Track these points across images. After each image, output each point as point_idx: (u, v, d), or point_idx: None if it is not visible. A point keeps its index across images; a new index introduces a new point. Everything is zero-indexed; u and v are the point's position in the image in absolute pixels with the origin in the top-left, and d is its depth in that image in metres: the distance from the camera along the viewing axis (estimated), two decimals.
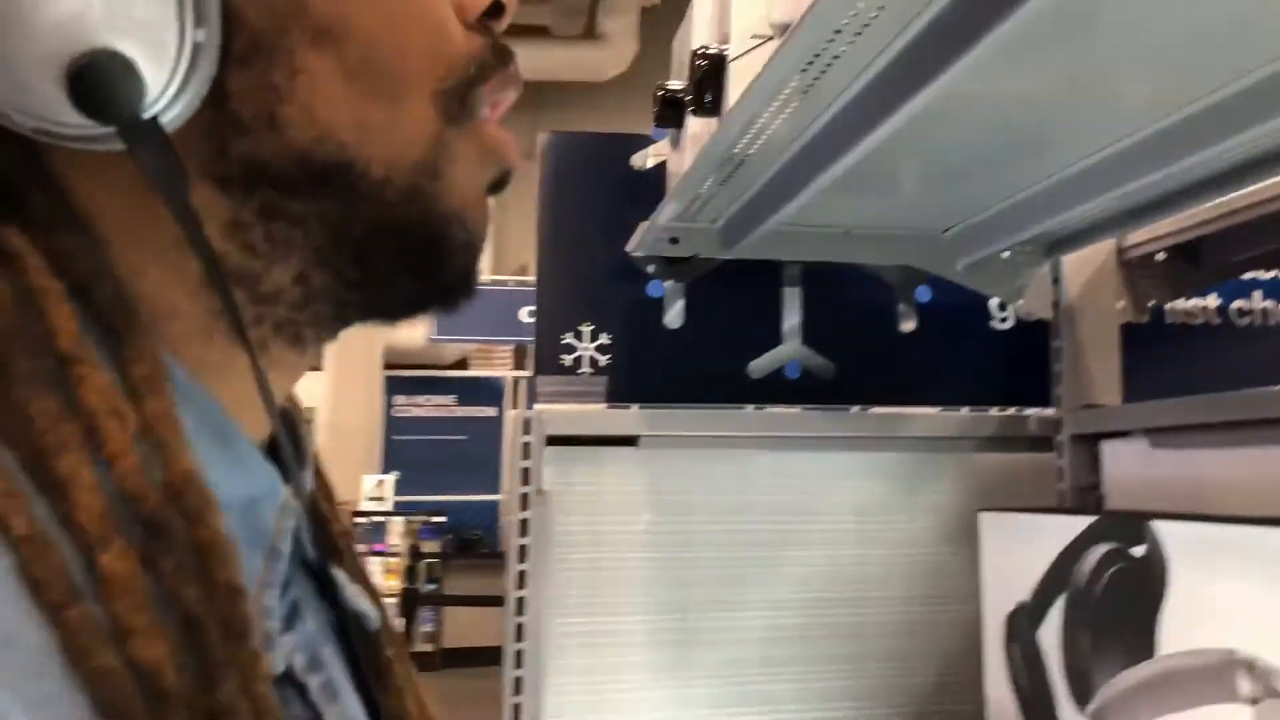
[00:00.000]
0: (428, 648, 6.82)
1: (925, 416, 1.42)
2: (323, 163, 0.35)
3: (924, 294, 1.45)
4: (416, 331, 8.36)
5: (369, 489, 7.31)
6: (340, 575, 0.39)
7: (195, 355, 0.34)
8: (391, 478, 7.48)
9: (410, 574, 6.91)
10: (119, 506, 0.28)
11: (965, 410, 1.44)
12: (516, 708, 1.27)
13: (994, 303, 1.48)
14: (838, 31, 0.81)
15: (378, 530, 6.99)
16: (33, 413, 0.28)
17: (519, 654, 1.28)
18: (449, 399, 8.71)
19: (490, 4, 0.40)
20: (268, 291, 0.36)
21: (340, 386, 7.88)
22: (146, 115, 0.31)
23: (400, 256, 0.38)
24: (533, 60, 6.04)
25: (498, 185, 0.40)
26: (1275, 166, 0.96)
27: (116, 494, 0.28)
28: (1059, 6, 0.69)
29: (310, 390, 8.24)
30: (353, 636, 0.39)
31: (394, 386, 8.55)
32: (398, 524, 7.08)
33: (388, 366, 8.40)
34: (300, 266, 0.36)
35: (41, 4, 0.29)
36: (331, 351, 8.28)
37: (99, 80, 0.29)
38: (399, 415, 8.59)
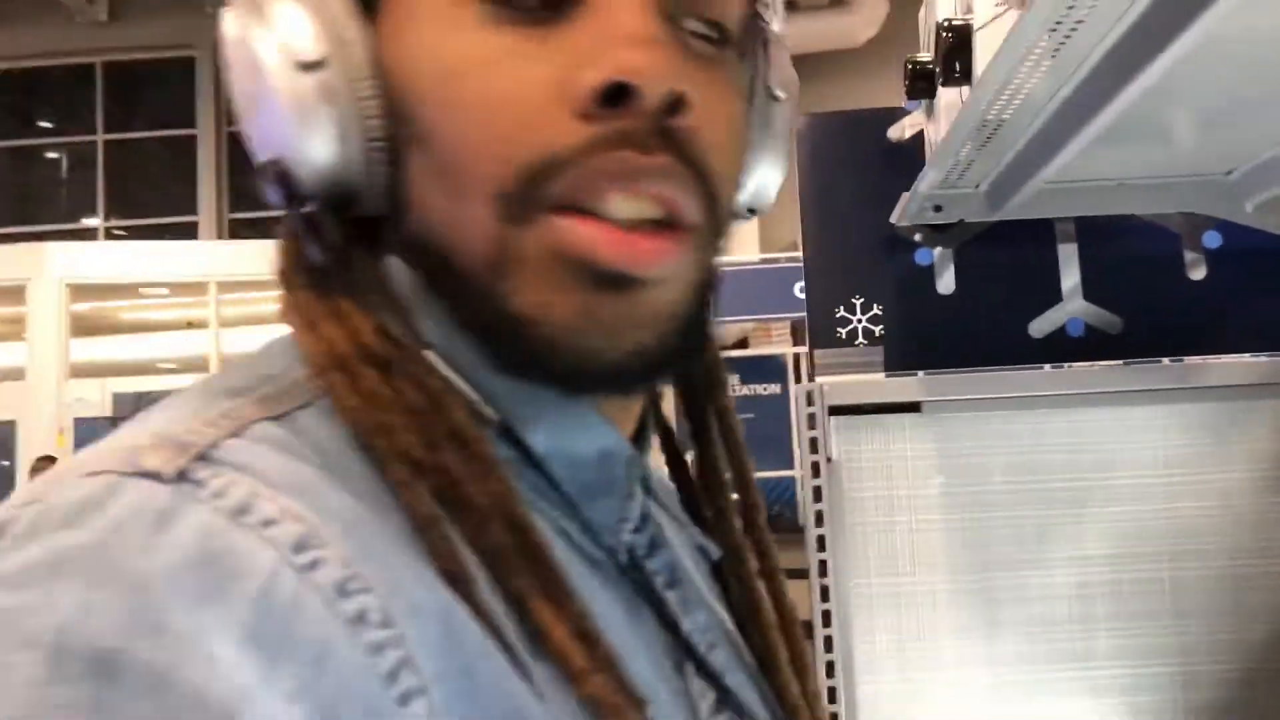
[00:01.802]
0: None
1: (1231, 364, 1.36)
2: (432, 250, 0.41)
3: (1213, 239, 1.38)
4: None
5: None
6: (676, 520, 0.51)
7: None
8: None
9: None
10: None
11: (1272, 355, 1.36)
12: (830, 665, 1.35)
13: None
14: None
15: None
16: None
17: (826, 614, 1.36)
18: (733, 379, 8.93)
19: (602, 91, 0.37)
20: None
21: None
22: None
23: (491, 342, 0.40)
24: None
25: (605, 280, 0.38)
26: None
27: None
28: None
29: None
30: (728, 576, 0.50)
31: None
32: None
33: None
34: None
35: None
36: None
37: None
38: None
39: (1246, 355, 1.37)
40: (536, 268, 0.38)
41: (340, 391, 0.38)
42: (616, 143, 0.37)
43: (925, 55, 1.31)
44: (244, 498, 0.33)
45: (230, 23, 0.42)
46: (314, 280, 0.41)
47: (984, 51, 1.12)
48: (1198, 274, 1.38)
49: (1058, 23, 0.86)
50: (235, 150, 10.76)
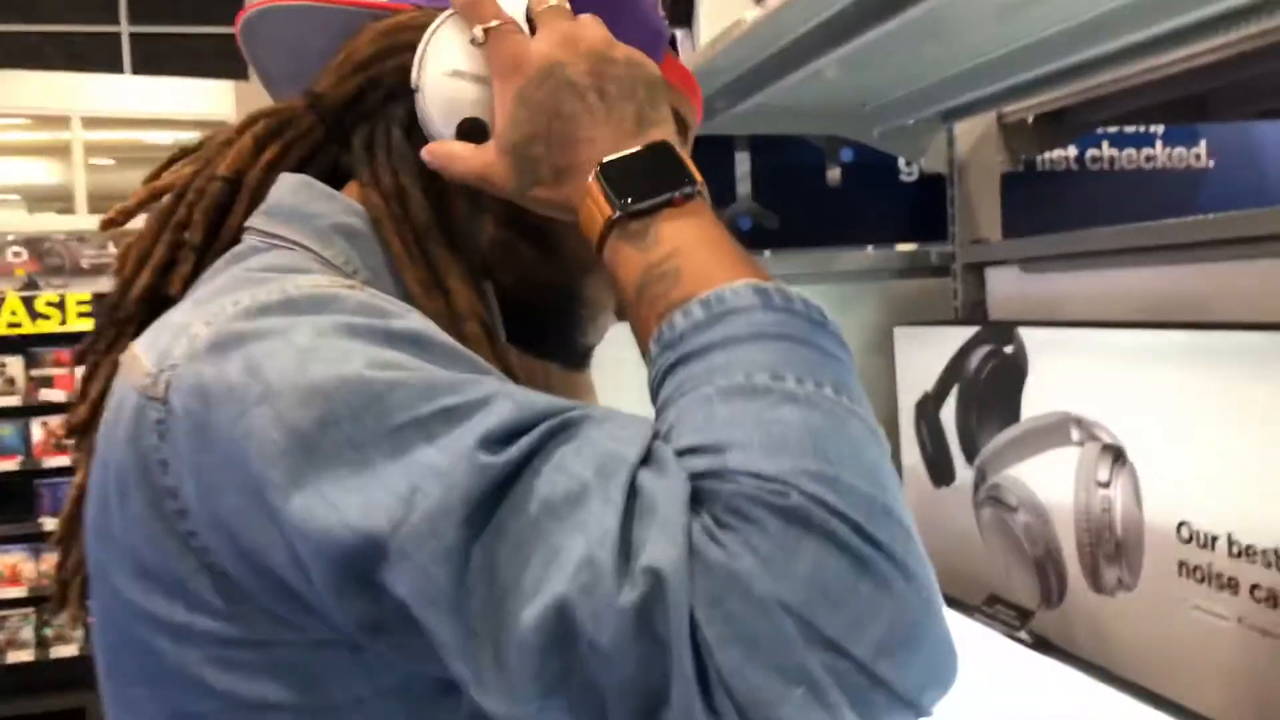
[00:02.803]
0: None
1: (852, 254, 1.79)
2: (545, 233, 0.61)
3: (846, 155, 1.79)
4: None
5: None
6: None
7: None
8: None
9: None
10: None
11: (886, 249, 1.81)
12: None
13: (901, 161, 1.83)
14: None
15: None
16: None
17: None
18: None
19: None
20: None
21: None
22: None
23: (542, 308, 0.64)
24: None
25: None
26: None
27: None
28: None
29: None
30: None
31: None
32: None
33: None
34: None
35: None
36: None
37: None
38: None
39: (868, 249, 1.81)
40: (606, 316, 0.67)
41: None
42: None
43: None
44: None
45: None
46: (448, 240, 0.58)
47: (704, 3, 1.39)
48: (834, 183, 1.79)
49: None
50: None
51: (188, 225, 0.58)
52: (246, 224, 0.59)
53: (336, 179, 0.60)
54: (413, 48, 0.59)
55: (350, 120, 0.61)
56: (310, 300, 0.49)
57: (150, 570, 0.49)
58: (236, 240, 0.58)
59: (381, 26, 0.61)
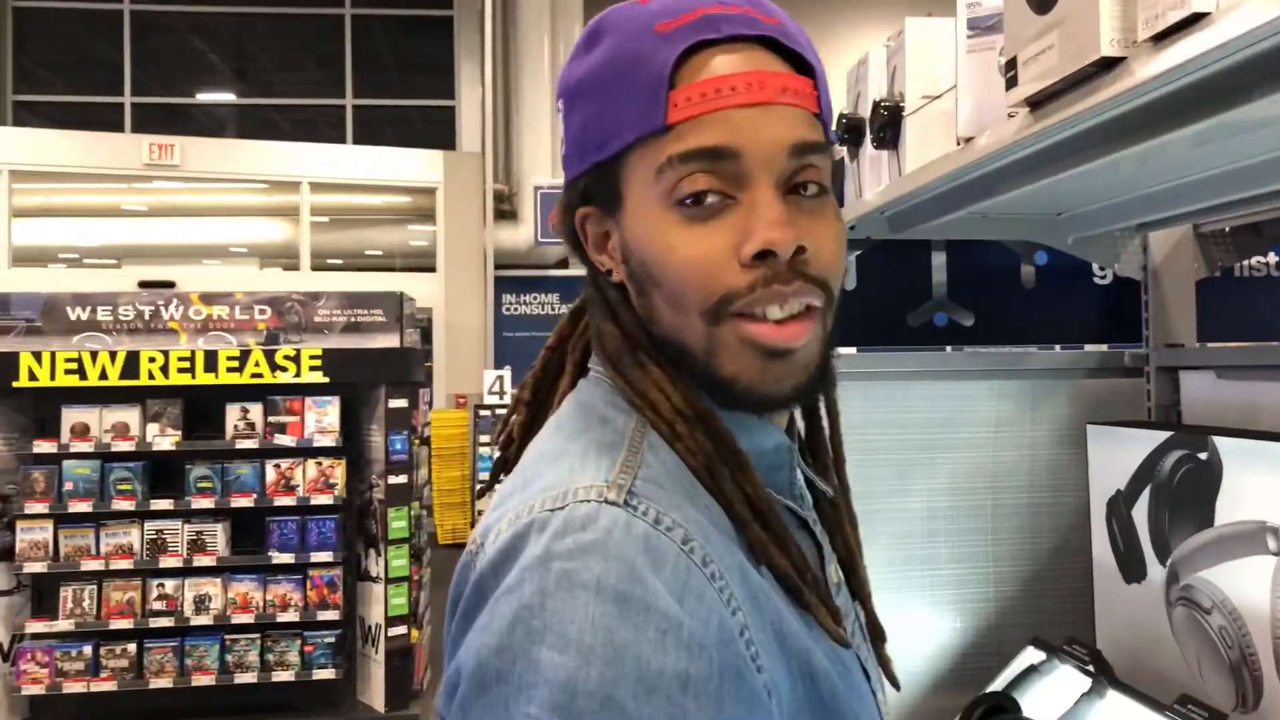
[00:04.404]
0: None
1: (1045, 352, 1.87)
2: (670, 343, 0.71)
3: (1041, 258, 1.88)
4: (522, 234, 8.91)
5: (489, 383, 7.90)
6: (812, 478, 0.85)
7: None
8: (506, 372, 8.05)
9: None
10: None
11: (1075, 348, 1.89)
12: None
13: (1095, 265, 1.91)
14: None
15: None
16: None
17: None
18: (553, 297, 9.28)
19: (755, 254, 0.66)
20: None
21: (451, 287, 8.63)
22: None
23: (709, 393, 0.70)
24: None
25: (773, 354, 0.67)
26: None
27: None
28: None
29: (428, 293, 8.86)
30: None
31: (502, 286, 9.14)
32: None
33: (498, 268, 8.99)
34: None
35: None
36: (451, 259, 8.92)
37: None
38: (508, 314, 9.21)
39: (1056, 347, 1.89)
40: (731, 349, 0.68)
41: (674, 439, 0.70)
42: (769, 280, 0.67)
43: (853, 111, 1.71)
44: (656, 514, 0.63)
45: None
46: (636, 359, 0.71)
47: (911, 130, 1.53)
48: (1028, 284, 1.88)
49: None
50: (23, 24, 9.89)
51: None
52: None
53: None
54: (560, 224, 0.76)
55: None
56: (570, 525, 0.61)
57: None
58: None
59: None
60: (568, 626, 0.56)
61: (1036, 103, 1.04)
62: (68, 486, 4.16)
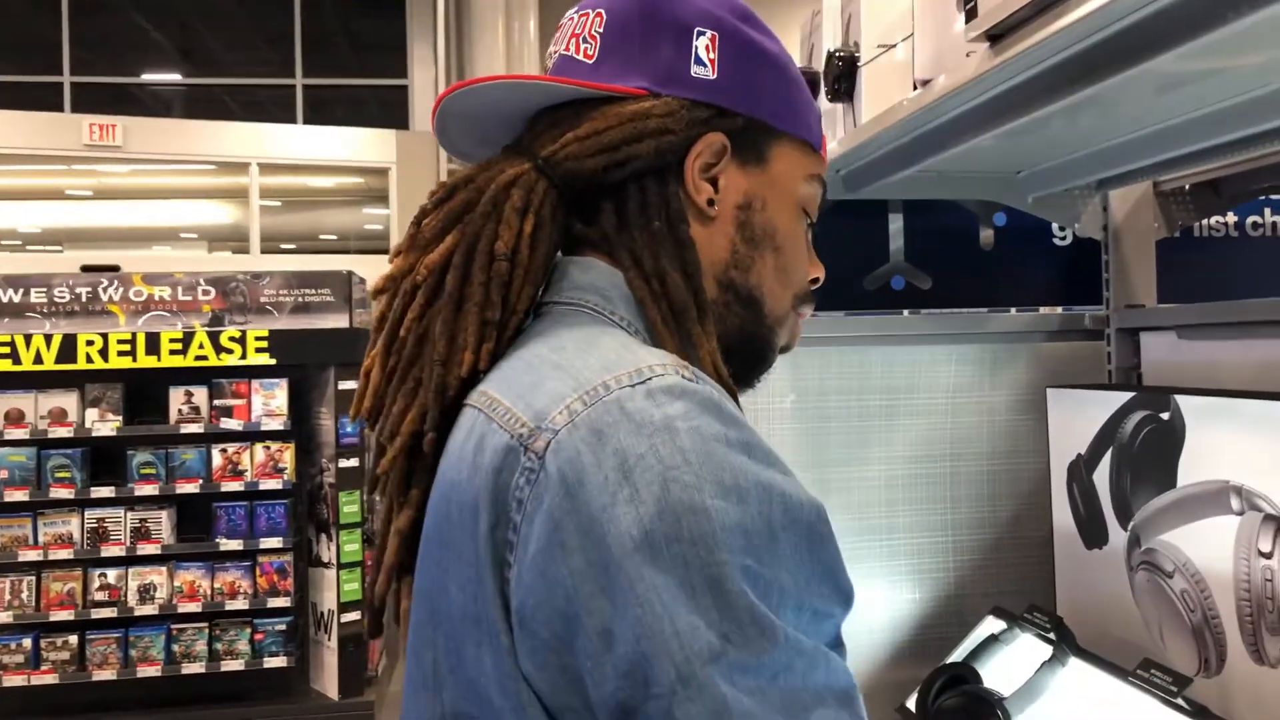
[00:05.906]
0: None
1: (1003, 315, 1.83)
2: (755, 298, 0.78)
3: (999, 219, 1.83)
4: None
5: None
6: None
7: None
8: None
9: None
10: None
11: (1034, 310, 1.85)
12: None
13: (1054, 225, 1.87)
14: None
15: None
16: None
17: None
18: None
19: (814, 279, 0.85)
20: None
21: None
22: None
23: (747, 354, 0.80)
24: None
25: (783, 349, 0.83)
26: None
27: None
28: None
29: None
30: None
31: None
32: None
33: None
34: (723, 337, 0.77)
35: None
36: None
37: None
38: None
39: (1012, 309, 1.85)
40: (789, 327, 0.83)
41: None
42: (811, 297, 0.84)
43: (807, 65, 1.65)
44: (712, 388, 0.66)
45: None
46: (704, 326, 0.73)
47: (867, 80, 1.48)
48: (987, 246, 1.84)
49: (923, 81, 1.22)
50: None
51: (486, 305, 0.70)
52: (544, 299, 0.73)
53: (567, 244, 0.75)
54: (663, 133, 0.71)
55: (590, 194, 0.73)
56: (670, 392, 0.62)
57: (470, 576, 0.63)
58: (517, 312, 0.71)
59: (627, 112, 0.72)
60: (721, 475, 0.60)
61: (996, 35, 0.99)
62: (2, 475, 4.03)
